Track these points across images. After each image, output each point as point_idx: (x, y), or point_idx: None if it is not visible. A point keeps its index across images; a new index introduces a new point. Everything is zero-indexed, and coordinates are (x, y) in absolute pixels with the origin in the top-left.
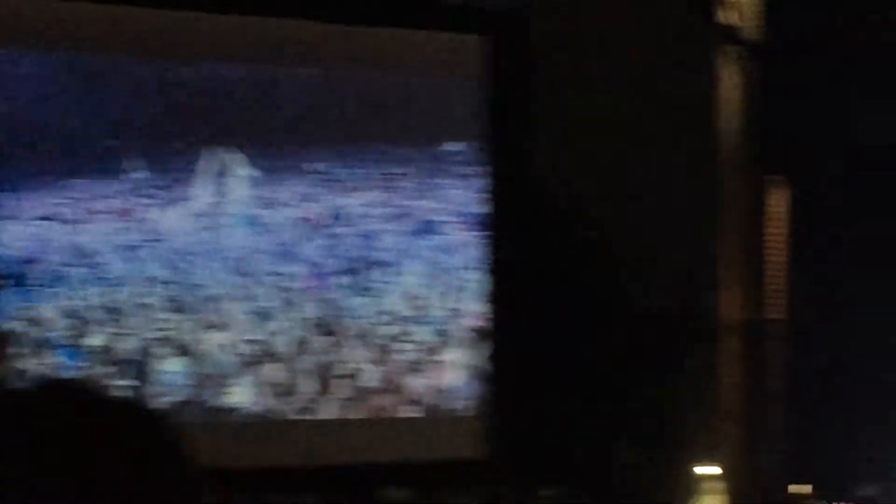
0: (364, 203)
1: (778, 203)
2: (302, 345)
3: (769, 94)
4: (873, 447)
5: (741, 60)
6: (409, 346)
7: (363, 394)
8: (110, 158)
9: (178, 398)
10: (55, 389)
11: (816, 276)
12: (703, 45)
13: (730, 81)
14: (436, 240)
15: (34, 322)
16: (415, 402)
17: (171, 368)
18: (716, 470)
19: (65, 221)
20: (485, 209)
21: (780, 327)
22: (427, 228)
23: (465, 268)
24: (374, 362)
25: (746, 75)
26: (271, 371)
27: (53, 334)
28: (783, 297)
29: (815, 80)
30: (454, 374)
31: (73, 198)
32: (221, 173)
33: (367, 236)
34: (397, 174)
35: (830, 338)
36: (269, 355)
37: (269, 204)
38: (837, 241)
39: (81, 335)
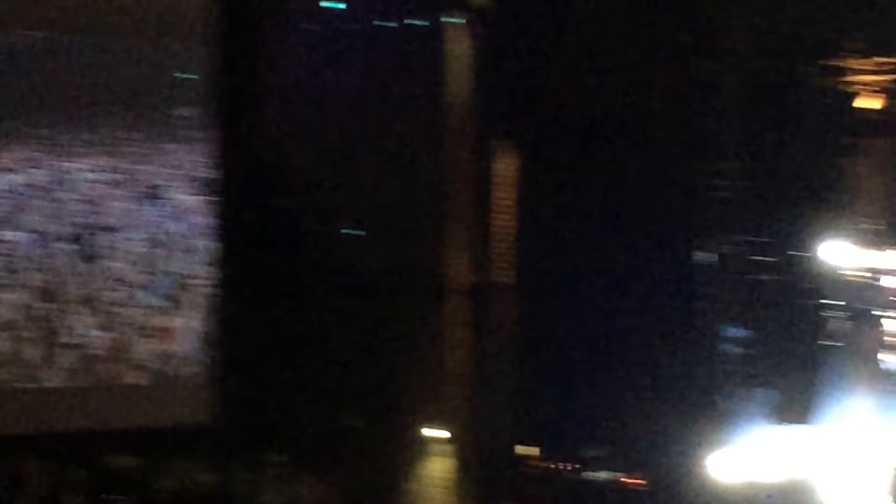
0: (89, 168)
1: (506, 168)
2: (26, 312)
3: (497, 61)
4: (599, 409)
5: (469, 26)
6: (136, 312)
7: (89, 361)
8: None
9: None
10: None
11: (543, 241)
12: (432, 10)
13: (458, 47)
14: (163, 205)
15: None
16: (142, 368)
17: None
18: (444, 433)
19: None
20: (213, 174)
21: (507, 291)
22: (154, 193)
23: (193, 233)
24: (101, 328)
25: (474, 41)
26: None
27: None
28: (510, 260)
29: (543, 47)
30: (182, 340)
31: None
32: None
33: (92, 202)
34: (124, 139)
35: (556, 301)
36: None
37: None
38: (564, 205)
39: None
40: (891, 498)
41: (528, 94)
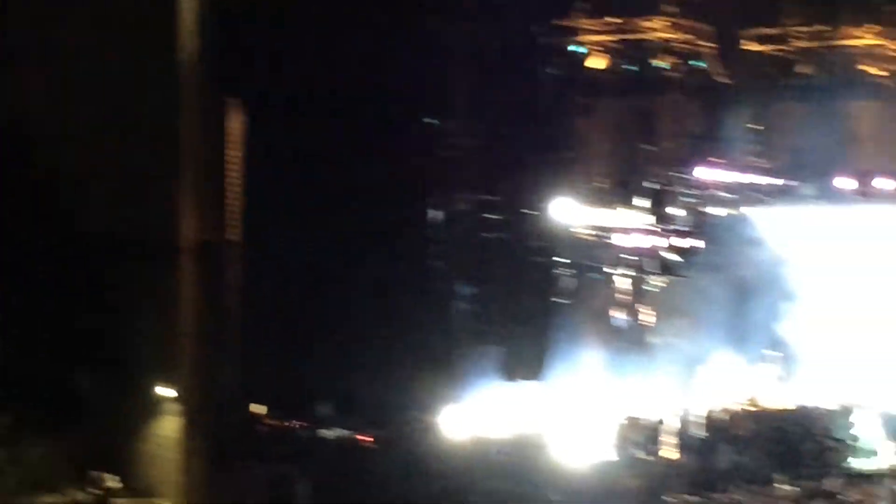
0: None
1: (236, 126)
2: None
3: (227, 18)
4: (331, 368)
5: None
6: None
7: None
8: None
9: None
10: None
11: (274, 200)
12: None
13: (189, 4)
14: None
15: None
16: None
17: None
18: (173, 391)
19: None
20: None
21: (237, 249)
22: None
23: None
24: None
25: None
26: None
27: None
28: (241, 219)
29: (273, 5)
30: None
31: None
32: None
33: None
34: None
35: (288, 260)
36: None
37: None
38: (295, 164)
39: None
40: (617, 451)
41: (260, 53)
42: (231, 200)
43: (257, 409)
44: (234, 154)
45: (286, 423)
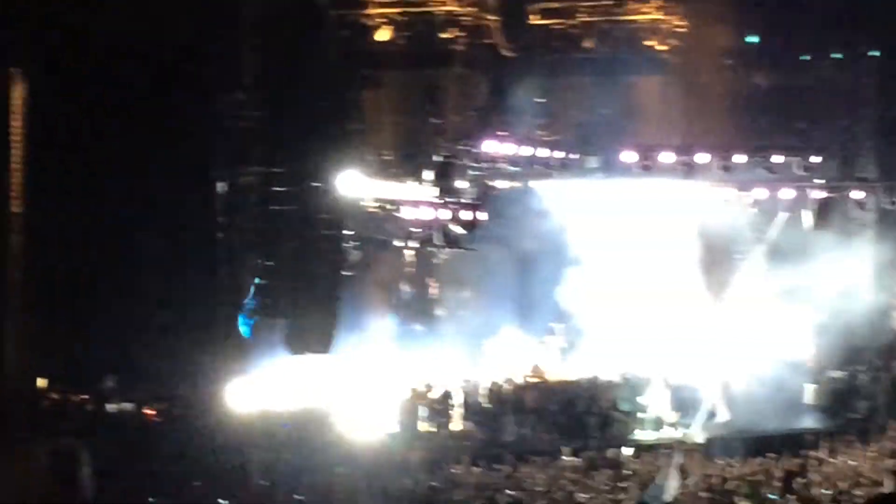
0: None
1: (17, 96)
2: None
3: None
4: (116, 341)
5: None
6: None
7: None
8: None
9: None
10: None
11: (57, 171)
12: None
13: None
14: None
15: None
16: None
17: None
18: None
19: None
20: None
21: (18, 220)
22: None
23: None
24: None
25: None
26: None
27: None
28: (22, 190)
29: None
30: None
31: None
32: None
33: None
34: None
35: (71, 232)
36: None
37: None
38: (80, 136)
39: None
40: (403, 423)
41: (41, 23)
42: (13, 171)
43: (40, 382)
44: (16, 125)
45: (69, 398)
